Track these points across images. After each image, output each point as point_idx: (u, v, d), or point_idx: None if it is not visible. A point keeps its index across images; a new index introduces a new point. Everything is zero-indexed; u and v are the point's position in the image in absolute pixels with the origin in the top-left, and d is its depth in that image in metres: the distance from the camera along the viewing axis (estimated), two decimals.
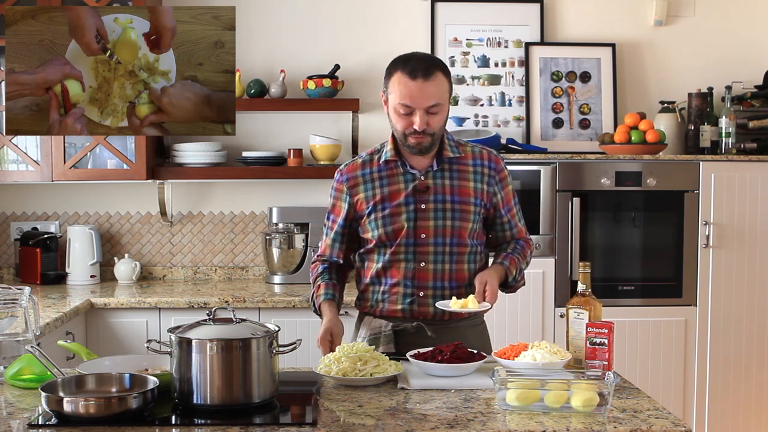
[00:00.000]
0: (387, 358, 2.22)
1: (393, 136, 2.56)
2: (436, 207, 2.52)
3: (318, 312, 2.59)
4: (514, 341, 2.47)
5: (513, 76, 4.30)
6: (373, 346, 2.33)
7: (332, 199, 2.64)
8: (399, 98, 2.43)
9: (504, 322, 3.77)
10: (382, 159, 2.56)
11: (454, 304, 2.41)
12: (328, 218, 2.65)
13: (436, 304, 2.46)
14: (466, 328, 2.59)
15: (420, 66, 2.42)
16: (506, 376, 2.03)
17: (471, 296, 2.42)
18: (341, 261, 2.66)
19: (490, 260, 2.66)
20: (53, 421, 1.91)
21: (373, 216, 2.54)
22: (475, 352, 2.33)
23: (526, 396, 1.98)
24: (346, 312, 3.64)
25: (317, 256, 2.69)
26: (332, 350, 2.36)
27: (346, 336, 2.51)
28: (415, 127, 2.42)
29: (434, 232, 2.51)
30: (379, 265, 2.56)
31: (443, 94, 2.45)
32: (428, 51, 4.25)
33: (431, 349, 2.32)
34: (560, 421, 1.92)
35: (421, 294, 2.54)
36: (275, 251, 4.09)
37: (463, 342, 2.38)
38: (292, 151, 4.09)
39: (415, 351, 2.32)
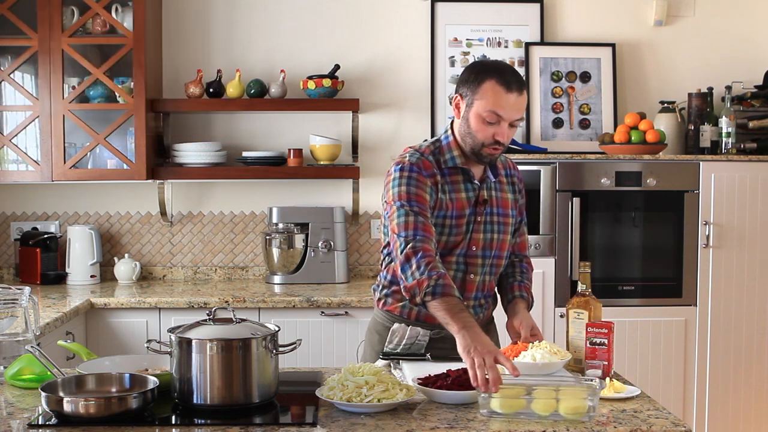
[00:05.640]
0: (397, 380, 2.07)
1: (456, 141, 2.48)
2: (485, 219, 2.50)
3: (451, 315, 2.26)
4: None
5: None
6: (385, 369, 2.15)
7: (411, 186, 2.39)
8: (491, 106, 2.36)
9: (504, 322, 3.76)
10: (449, 164, 2.48)
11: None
12: (416, 203, 2.37)
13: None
14: (482, 327, 2.58)
15: (515, 79, 2.38)
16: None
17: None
18: None
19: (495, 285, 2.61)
20: (53, 421, 1.91)
21: (440, 221, 2.44)
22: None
23: (511, 405, 1.95)
24: (346, 312, 3.66)
25: (425, 246, 2.32)
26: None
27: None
28: (499, 138, 2.38)
29: (483, 245, 2.50)
30: None
31: (524, 110, 2.46)
32: (428, 51, 4.26)
33: (438, 374, 2.17)
34: (560, 422, 1.92)
35: (465, 304, 2.45)
36: (275, 251, 4.09)
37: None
38: (292, 151, 4.09)
39: (426, 375, 2.17)
